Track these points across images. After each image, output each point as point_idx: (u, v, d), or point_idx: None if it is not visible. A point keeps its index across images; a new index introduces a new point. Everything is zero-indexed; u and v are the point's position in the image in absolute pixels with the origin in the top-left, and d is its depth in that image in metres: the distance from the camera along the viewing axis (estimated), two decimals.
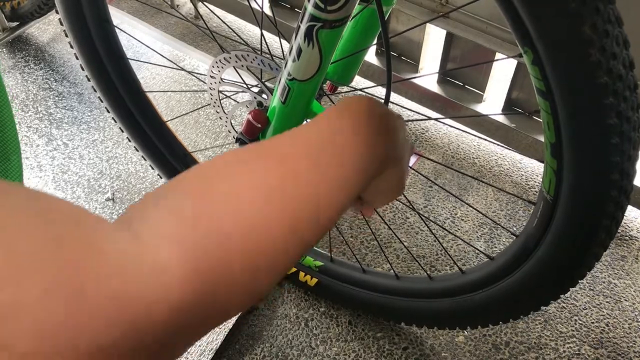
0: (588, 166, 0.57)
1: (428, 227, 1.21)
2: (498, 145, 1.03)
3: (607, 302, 1.13)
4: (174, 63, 1.55)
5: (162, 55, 1.20)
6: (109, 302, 0.26)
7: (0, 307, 0.23)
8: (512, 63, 1.32)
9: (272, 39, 1.63)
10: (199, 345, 1.07)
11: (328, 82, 0.86)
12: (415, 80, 1.44)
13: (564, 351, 1.06)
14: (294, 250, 0.38)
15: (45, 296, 0.24)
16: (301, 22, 0.62)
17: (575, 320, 1.10)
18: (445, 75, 1.44)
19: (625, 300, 1.13)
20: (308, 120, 0.78)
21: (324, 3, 0.58)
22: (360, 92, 1.52)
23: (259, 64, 0.77)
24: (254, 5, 1.52)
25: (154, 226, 0.32)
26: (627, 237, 1.23)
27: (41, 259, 0.25)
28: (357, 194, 0.46)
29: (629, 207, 1.26)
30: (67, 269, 0.26)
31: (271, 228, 0.36)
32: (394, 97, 1.51)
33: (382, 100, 0.70)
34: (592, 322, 1.10)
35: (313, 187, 0.40)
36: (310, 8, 0.60)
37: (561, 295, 0.74)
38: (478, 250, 1.07)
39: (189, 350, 1.06)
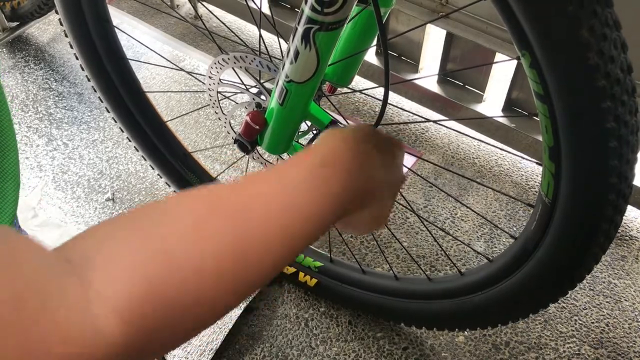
0: (586, 170, 0.57)
1: (427, 229, 1.21)
2: (497, 147, 1.03)
3: (607, 302, 1.13)
4: (173, 63, 1.55)
5: (161, 56, 1.20)
6: None
7: None
8: (512, 63, 1.32)
9: (271, 40, 1.63)
10: (199, 346, 1.07)
11: (327, 83, 0.85)
12: (415, 81, 1.44)
13: (564, 351, 1.06)
14: (244, 285, 0.40)
15: None
16: (298, 24, 0.61)
17: (575, 320, 1.10)
18: (445, 75, 1.43)
19: (625, 300, 1.13)
20: (306, 122, 0.78)
21: (321, 5, 0.58)
22: (359, 93, 1.52)
23: (257, 65, 0.77)
24: (252, 5, 1.52)
25: (98, 276, 0.34)
26: (627, 237, 1.23)
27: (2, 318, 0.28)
28: (329, 226, 0.47)
29: (629, 207, 1.26)
30: (23, 330, 0.28)
31: (222, 267, 0.38)
32: (393, 97, 1.51)
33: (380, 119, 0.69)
34: (592, 322, 1.10)
35: (278, 225, 0.41)
36: (307, 10, 0.59)
37: (560, 298, 0.74)
38: (477, 252, 1.07)
39: (188, 350, 1.07)
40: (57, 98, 1.59)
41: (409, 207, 1.27)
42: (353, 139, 0.50)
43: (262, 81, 0.79)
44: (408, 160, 1.42)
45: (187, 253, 0.37)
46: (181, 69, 1.21)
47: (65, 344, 0.30)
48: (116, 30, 0.97)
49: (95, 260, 0.35)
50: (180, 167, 1.15)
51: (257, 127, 0.75)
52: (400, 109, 1.49)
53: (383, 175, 0.52)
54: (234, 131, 0.84)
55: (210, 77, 0.84)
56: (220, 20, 1.20)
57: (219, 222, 0.40)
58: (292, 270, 1.13)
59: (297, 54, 0.63)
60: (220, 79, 0.84)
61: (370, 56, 1.49)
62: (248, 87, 0.81)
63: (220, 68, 0.81)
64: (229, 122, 0.89)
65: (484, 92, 1.38)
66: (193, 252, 0.37)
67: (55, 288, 0.31)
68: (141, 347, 0.34)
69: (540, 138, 1.27)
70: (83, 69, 1.01)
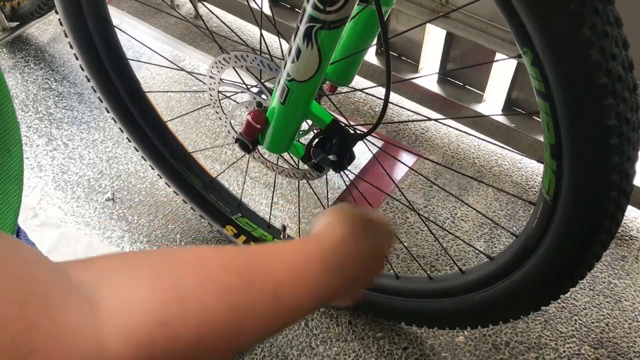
0: (588, 167, 0.57)
1: (428, 227, 1.22)
2: (498, 145, 1.03)
3: (607, 302, 1.13)
4: (173, 63, 1.55)
5: (161, 56, 1.20)
6: None
7: None
8: (512, 63, 1.32)
9: (271, 39, 1.63)
10: None
11: (328, 82, 0.85)
12: (415, 80, 1.44)
13: (564, 351, 1.06)
14: (237, 340, 0.43)
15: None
16: (300, 22, 0.61)
17: (575, 320, 1.10)
18: (445, 75, 1.44)
19: (625, 300, 1.13)
20: (308, 120, 0.78)
21: (323, 4, 0.58)
22: (360, 93, 1.52)
23: (258, 65, 0.77)
24: (253, 5, 1.52)
25: (108, 300, 0.34)
26: (627, 237, 1.23)
27: (5, 317, 0.28)
28: (312, 310, 0.53)
29: (629, 207, 1.26)
30: (24, 331, 0.28)
31: (220, 322, 0.40)
32: (394, 97, 1.51)
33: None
34: (592, 322, 1.10)
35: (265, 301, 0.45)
36: (309, 9, 0.59)
37: (561, 295, 0.74)
38: (478, 250, 1.07)
39: None
40: (57, 98, 1.59)
41: (409, 206, 1.27)
42: (343, 234, 0.58)
43: (262, 80, 0.79)
44: (408, 160, 1.42)
45: (197, 299, 0.39)
46: (181, 69, 1.21)
47: (67, 349, 0.30)
48: (116, 30, 0.97)
49: (106, 284, 0.35)
50: (180, 167, 1.15)
51: (259, 126, 0.75)
52: (401, 107, 1.49)
53: (367, 273, 0.61)
54: (235, 131, 0.84)
55: (211, 77, 0.84)
56: (221, 20, 1.20)
57: (230, 279, 0.43)
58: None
59: (299, 52, 0.64)
60: (221, 79, 0.84)
61: (371, 56, 1.49)
62: (249, 86, 0.81)
63: (221, 67, 0.81)
64: (230, 122, 0.89)
65: (484, 92, 1.38)
66: (203, 299, 0.40)
67: (59, 298, 0.32)
68: None
69: (541, 137, 1.28)
70: (83, 69, 1.01)
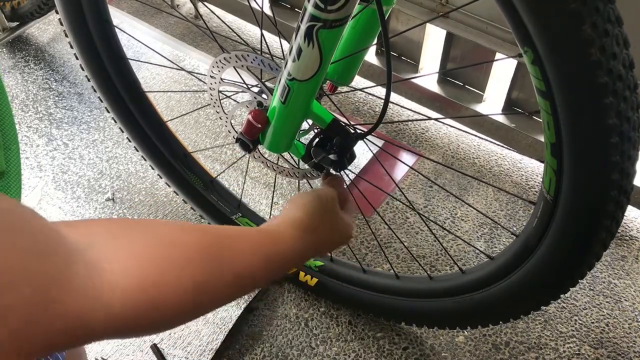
0: (588, 166, 0.57)
1: (428, 227, 1.22)
2: (498, 145, 1.03)
3: (607, 302, 1.13)
4: (174, 63, 1.55)
5: (162, 56, 1.20)
6: (68, 314, 0.34)
7: None
8: (512, 63, 1.32)
9: (272, 39, 1.63)
10: (199, 345, 1.07)
11: (328, 82, 0.85)
12: (415, 80, 1.44)
13: (564, 351, 1.06)
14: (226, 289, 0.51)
15: (28, 303, 0.31)
16: (301, 22, 0.61)
17: (575, 320, 1.10)
18: (445, 75, 1.44)
19: (625, 300, 1.13)
20: (308, 120, 0.78)
21: (324, 3, 0.58)
22: (360, 93, 1.53)
23: (258, 64, 0.77)
24: (253, 5, 1.52)
25: (103, 256, 0.40)
26: (627, 237, 1.23)
27: (27, 270, 0.32)
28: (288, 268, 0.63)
29: (629, 207, 1.26)
30: (44, 284, 0.33)
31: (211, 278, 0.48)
32: (394, 97, 1.51)
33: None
34: (592, 322, 1.10)
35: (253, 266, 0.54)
36: (310, 8, 0.59)
37: (561, 295, 0.74)
38: (478, 250, 1.07)
39: (189, 350, 1.07)
40: (57, 98, 1.59)
41: (409, 206, 1.28)
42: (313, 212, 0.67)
43: (263, 80, 0.79)
44: (408, 160, 1.42)
45: (172, 269, 0.45)
46: (182, 69, 1.21)
47: (77, 302, 0.34)
48: (116, 30, 0.97)
49: (96, 245, 0.40)
50: (180, 167, 1.15)
51: (259, 125, 0.75)
52: (401, 107, 1.49)
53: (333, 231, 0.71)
54: (235, 130, 0.84)
55: (211, 76, 0.84)
56: (222, 20, 1.20)
57: (201, 254, 0.49)
58: (292, 269, 1.13)
59: (299, 51, 0.64)
60: (221, 78, 0.84)
61: (371, 56, 1.49)
62: (249, 86, 0.81)
63: (222, 67, 0.81)
64: (230, 122, 0.89)
65: (484, 92, 1.38)
66: (188, 255, 0.47)
67: (68, 255, 0.36)
68: (135, 324, 0.40)
69: (541, 137, 1.28)
70: (83, 69, 1.01)
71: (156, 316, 0.42)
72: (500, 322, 0.85)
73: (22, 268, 0.31)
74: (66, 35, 0.96)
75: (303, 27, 0.61)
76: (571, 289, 0.72)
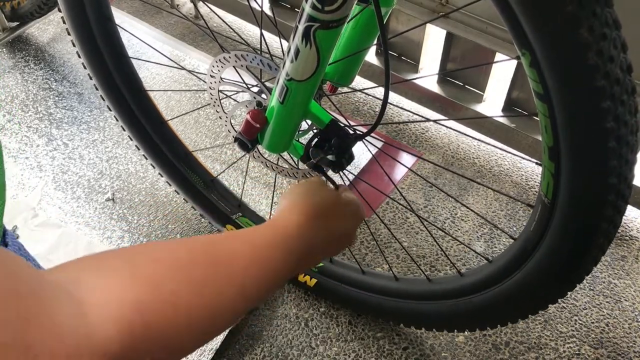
0: (586, 170, 0.56)
1: (427, 229, 1.21)
2: (497, 147, 1.03)
3: (607, 302, 1.13)
4: (174, 62, 1.55)
5: (162, 54, 1.20)
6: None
7: None
8: (512, 63, 1.32)
9: (272, 39, 1.63)
10: None
11: (328, 82, 0.85)
12: (415, 81, 1.44)
13: (564, 351, 1.06)
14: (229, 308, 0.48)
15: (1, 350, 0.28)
16: (299, 22, 0.61)
17: (575, 320, 1.10)
18: (445, 75, 1.43)
19: (625, 300, 1.13)
20: (307, 121, 0.77)
21: (321, 4, 0.58)
22: (360, 93, 1.52)
23: (258, 64, 0.77)
24: (253, 5, 1.52)
25: (88, 292, 0.37)
26: (627, 237, 1.23)
27: (5, 315, 0.29)
28: (289, 277, 0.59)
29: (629, 207, 1.26)
30: (22, 328, 0.30)
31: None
32: (394, 97, 1.51)
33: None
34: (592, 322, 1.10)
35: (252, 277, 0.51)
36: (307, 8, 0.59)
37: (559, 299, 0.74)
38: (476, 253, 1.07)
39: None
40: (57, 98, 1.59)
41: (409, 207, 1.27)
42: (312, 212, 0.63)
43: (263, 80, 0.79)
44: (408, 160, 1.42)
45: (167, 286, 0.43)
46: (182, 68, 1.21)
47: (63, 342, 0.32)
48: (118, 28, 0.97)
49: (82, 279, 0.38)
50: (181, 167, 1.15)
51: (258, 125, 0.75)
52: (401, 108, 1.49)
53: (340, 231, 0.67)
54: (235, 130, 0.84)
55: (211, 76, 0.84)
56: (222, 19, 1.20)
57: (196, 267, 0.47)
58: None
59: (297, 52, 0.63)
60: (221, 78, 0.84)
61: (371, 56, 1.49)
62: (249, 85, 0.81)
63: (222, 67, 0.81)
64: (230, 121, 0.89)
65: (484, 92, 1.38)
66: (172, 286, 0.43)
67: (50, 294, 0.33)
68: (144, 347, 0.38)
69: (540, 138, 1.28)
70: (85, 67, 1.01)
71: (163, 336, 0.40)
72: (499, 326, 0.84)
73: None
74: (68, 34, 0.95)
75: (300, 28, 0.61)
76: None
